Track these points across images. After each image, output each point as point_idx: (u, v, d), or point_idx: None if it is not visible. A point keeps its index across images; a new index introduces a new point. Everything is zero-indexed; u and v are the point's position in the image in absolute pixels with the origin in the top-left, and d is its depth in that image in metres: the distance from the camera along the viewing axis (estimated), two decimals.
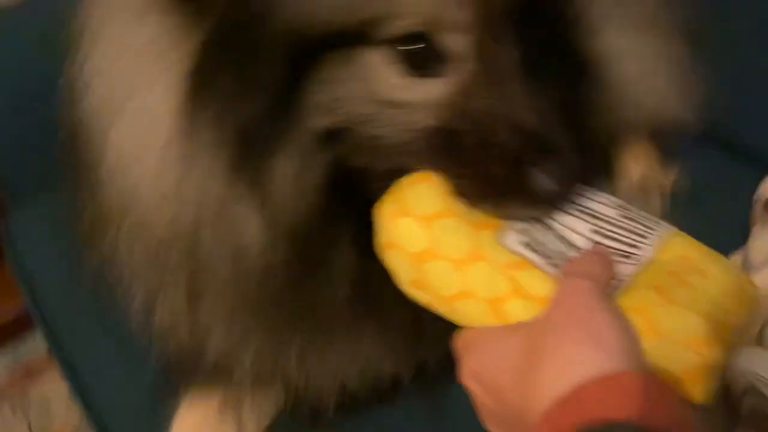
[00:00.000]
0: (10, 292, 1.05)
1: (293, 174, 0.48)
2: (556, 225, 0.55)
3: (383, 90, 0.48)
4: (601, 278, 0.48)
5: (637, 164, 0.90)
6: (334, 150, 0.50)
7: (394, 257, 0.54)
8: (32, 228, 1.01)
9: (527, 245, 0.53)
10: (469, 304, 0.52)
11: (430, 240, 0.52)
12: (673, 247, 0.55)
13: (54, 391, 1.38)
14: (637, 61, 0.82)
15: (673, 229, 0.57)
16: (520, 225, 0.54)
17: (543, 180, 0.49)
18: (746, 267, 0.78)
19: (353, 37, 0.45)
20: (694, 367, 0.48)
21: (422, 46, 0.46)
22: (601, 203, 0.57)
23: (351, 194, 0.52)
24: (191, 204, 0.50)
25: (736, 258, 0.81)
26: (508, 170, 0.49)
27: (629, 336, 0.43)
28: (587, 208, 0.56)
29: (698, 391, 0.49)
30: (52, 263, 0.90)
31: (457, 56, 0.48)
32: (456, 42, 0.48)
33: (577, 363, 0.40)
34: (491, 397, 0.46)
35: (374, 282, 0.55)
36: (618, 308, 0.45)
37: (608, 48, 0.73)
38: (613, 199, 0.58)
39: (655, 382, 0.40)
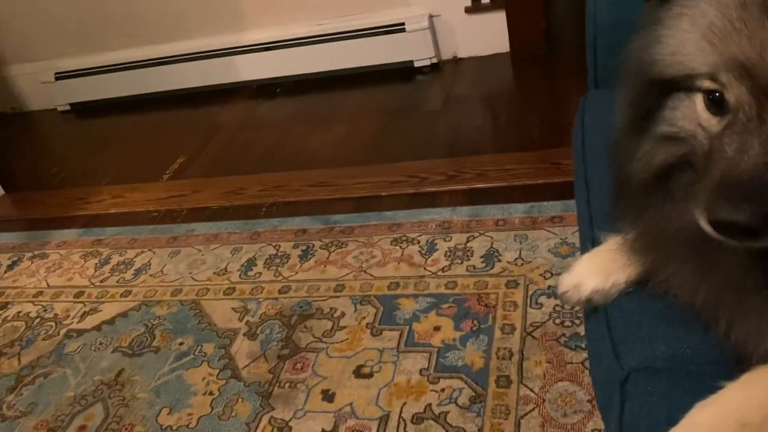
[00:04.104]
0: None
1: (644, 152, 0.78)
2: None
3: (697, 116, 0.70)
4: None
5: None
6: (670, 148, 0.76)
7: None
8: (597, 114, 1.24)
9: None
10: None
11: None
12: None
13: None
14: None
15: None
16: None
17: (721, 212, 0.60)
18: None
19: (683, 84, 0.71)
20: None
21: (716, 95, 0.67)
22: None
23: (676, 174, 0.77)
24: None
25: None
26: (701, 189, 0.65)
27: None
28: None
29: None
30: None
31: (731, 108, 0.66)
32: (731, 98, 0.65)
33: None
34: None
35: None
36: None
37: None
38: None
39: None
